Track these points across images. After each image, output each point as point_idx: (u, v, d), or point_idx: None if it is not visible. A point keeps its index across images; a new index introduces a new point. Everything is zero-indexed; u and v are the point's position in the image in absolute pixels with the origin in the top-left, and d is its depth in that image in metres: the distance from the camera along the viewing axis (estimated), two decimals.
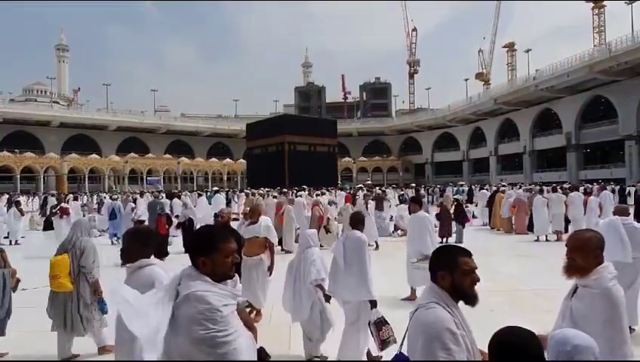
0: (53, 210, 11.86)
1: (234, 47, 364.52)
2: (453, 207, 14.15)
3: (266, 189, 25.80)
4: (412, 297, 7.00)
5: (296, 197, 16.52)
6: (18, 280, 4.94)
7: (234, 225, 7.43)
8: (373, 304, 4.14)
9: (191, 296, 1.83)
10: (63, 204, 12.12)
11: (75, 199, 22.82)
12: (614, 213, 5.86)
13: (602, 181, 32.42)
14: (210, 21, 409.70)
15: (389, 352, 4.70)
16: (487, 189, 24.51)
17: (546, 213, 13.80)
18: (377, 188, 28.05)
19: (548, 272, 8.96)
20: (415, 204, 7.81)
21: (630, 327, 4.79)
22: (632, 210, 10.82)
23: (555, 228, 13.83)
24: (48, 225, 19.00)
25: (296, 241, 13.96)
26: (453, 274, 2.01)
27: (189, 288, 1.85)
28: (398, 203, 21.22)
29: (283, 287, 4.80)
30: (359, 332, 4.31)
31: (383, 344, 3.89)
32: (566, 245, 2.45)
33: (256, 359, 1.99)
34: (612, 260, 5.56)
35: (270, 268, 6.01)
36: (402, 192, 31.60)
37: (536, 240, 13.71)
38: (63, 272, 4.75)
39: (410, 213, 8.14)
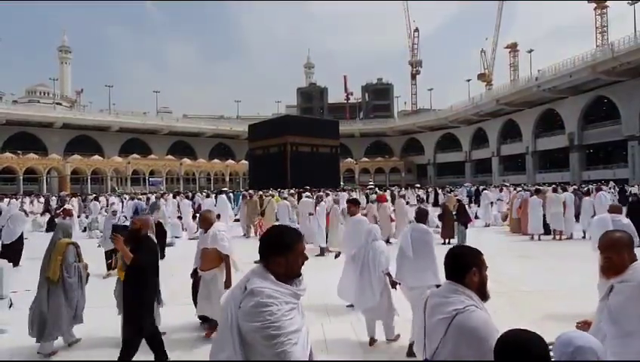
0: (57, 211, 11.89)
1: (236, 48, 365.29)
2: (456, 207, 14.11)
3: (270, 190, 25.78)
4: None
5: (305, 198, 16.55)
6: (88, 274, 5.54)
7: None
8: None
9: (255, 291, 1.87)
10: (66, 206, 12.13)
11: (84, 200, 22.92)
12: (608, 211, 6.42)
13: (604, 181, 32.41)
14: (212, 22, 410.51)
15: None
16: (489, 190, 24.50)
17: (541, 212, 14.08)
18: (394, 188, 28.19)
19: (548, 272, 8.97)
20: (353, 205, 7.13)
21: None
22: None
23: (553, 228, 14.01)
24: (52, 226, 19.12)
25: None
26: (481, 272, 2.10)
27: (254, 284, 1.90)
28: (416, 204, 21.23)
29: (340, 279, 5.34)
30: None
31: None
32: (599, 247, 2.50)
33: (307, 359, 1.97)
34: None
35: (226, 284, 5.16)
36: (419, 193, 31.78)
37: (531, 239, 13.96)
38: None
39: (349, 216, 7.18)
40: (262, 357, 1.83)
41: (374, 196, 17.59)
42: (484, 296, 2.13)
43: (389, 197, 17.78)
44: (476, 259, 2.17)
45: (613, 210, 6.56)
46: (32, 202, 32.20)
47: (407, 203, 18.29)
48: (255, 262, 2.12)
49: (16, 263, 10.05)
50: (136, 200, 19.64)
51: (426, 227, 5.06)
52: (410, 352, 4.60)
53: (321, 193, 20.56)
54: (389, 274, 5.07)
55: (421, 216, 5.31)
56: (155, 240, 4.95)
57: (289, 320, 1.85)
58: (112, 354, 4.53)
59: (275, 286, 1.91)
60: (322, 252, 12.02)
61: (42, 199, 32.39)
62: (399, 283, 4.96)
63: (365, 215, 12.81)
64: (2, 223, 11.17)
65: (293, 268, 2.00)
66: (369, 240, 5.29)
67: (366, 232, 5.52)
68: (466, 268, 2.13)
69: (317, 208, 13.34)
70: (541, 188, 18.66)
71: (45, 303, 4.95)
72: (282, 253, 1.97)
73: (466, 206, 15.28)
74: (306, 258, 2.07)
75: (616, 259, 2.40)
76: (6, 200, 23.98)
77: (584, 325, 2.55)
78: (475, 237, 13.92)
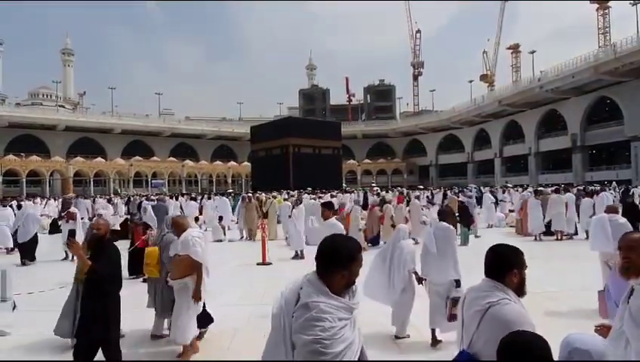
0: (62, 214, 11.64)
1: (238, 49, 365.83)
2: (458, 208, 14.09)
3: (273, 192, 25.83)
4: None
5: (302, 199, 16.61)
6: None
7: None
8: (458, 283, 4.92)
9: (309, 304, 1.86)
10: (71, 209, 12.02)
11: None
12: (605, 211, 6.72)
13: (608, 182, 32.37)
14: (214, 23, 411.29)
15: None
16: (492, 192, 24.47)
17: (541, 213, 14.14)
18: (402, 189, 28.24)
19: (550, 273, 8.95)
20: (327, 209, 6.87)
21: None
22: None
23: (555, 228, 14.01)
24: (55, 228, 19.14)
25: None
26: (521, 273, 2.17)
27: (309, 296, 1.88)
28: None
29: (367, 277, 5.33)
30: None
31: (452, 318, 4.43)
32: (619, 248, 2.47)
33: None
34: (600, 250, 5.89)
35: (195, 294, 4.71)
36: (429, 194, 31.82)
37: (534, 240, 13.95)
38: (153, 261, 5.44)
39: (323, 220, 7.04)
40: None
41: (390, 197, 17.56)
42: (521, 293, 2.20)
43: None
44: (518, 259, 2.22)
45: (610, 210, 6.79)
46: (45, 204, 31.81)
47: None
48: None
49: (32, 259, 11.55)
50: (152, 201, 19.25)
51: (447, 225, 5.31)
52: (435, 341, 5.04)
53: (298, 195, 20.48)
54: (415, 273, 5.38)
55: (445, 215, 5.53)
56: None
57: (339, 339, 1.84)
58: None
59: (330, 300, 1.88)
60: (297, 255, 11.71)
61: (53, 201, 32.04)
62: (425, 279, 5.28)
63: (383, 215, 12.96)
64: (18, 224, 11.90)
65: (352, 279, 1.97)
66: (397, 239, 5.54)
67: (395, 231, 5.85)
68: (507, 268, 2.18)
69: (294, 211, 12.84)
70: (542, 189, 18.68)
71: (73, 298, 5.17)
72: (345, 266, 1.92)
73: (476, 207, 15.28)
74: (361, 265, 2.03)
75: (636, 260, 2.36)
76: (26, 202, 23.98)
77: (603, 329, 2.49)
78: (477, 238, 13.92)
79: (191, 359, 4.85)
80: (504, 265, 2.18)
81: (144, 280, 6.81)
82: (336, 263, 1.92)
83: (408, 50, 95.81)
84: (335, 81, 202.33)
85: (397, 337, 5.37)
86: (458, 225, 13.28)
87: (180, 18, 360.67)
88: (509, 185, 35.69)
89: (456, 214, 13.61)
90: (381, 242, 12.96)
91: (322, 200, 18.05)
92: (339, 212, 13.56)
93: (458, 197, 19.03)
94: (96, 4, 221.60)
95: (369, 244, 12.68)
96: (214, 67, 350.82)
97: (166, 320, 5.46)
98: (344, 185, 52.92)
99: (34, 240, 11.85)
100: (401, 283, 5.29)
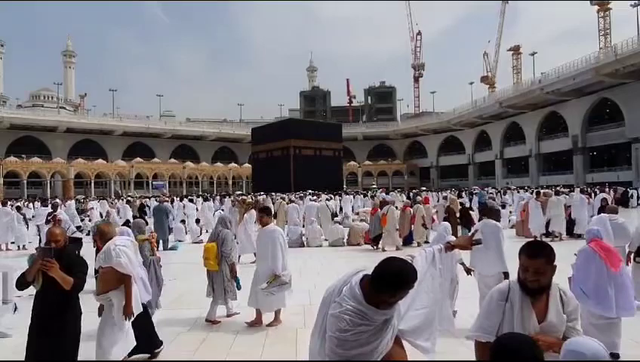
0: (48, 218, 10.55)
1: (239, 51, 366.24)
2: (459, 211, 14.12)
3: (279, 194, 25.84)
4: (257, 322, 5.95)
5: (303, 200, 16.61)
6: (160, 266, 5.91)
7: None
8: (506, 275, 5.18)
9: (340, 303, 2.01)
10: (57, 213, 11.18)
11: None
12: (605, 212, 7.03)
13: (608, 184, 32.45)
14: (215, 25, 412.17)
15: None
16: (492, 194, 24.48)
17: (541, 214, 14.19)
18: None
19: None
20: (265, 215, 6.23)
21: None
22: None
23: (552, 229, 14.06)
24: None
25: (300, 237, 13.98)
26: (553, 270, 2.32)
27: (343, 297, 2.03)
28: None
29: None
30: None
31: None
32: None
33: None
34: None
35: (125, 310, 4.07)
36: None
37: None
38: (211, 255, 6.03)
39: (261, 226, 6.31)
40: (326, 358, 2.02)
41: (419, 198, 17.64)
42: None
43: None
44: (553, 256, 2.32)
45: (610, 210, 7.15)
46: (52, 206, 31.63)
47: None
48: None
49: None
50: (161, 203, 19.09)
51: (495, 222, 5.75)
52: None
53: (252, 198, 20.00)
54: (462, 264, 5.88)
55: (491, 213, 6.08)
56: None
57: (355, 342, 1.95)
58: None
59: (359, 306, 1.98)
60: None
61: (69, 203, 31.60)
62: (472, 270, 5.78)
63: (414, 215, 13.19)
64: (38, 222, 12.84)
65: (396, 301, 2.06)
66: (442, 234, 5.99)
67: (440, 227, 6.51)
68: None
69: (245, 216, 11.87)
70: (547, 191, 18.74)
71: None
72: (395, 293, 1.98)
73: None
74: (399, 300, 2.09)
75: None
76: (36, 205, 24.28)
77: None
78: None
79: (192, 360, 4.85)
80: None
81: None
82: (388, 288, 1.97)
83: (409, 52, 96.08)
84: (336, 83, 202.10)
85: None
86: (458, 226, 13.36)
87: (182, 20, 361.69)
88: (512, 186, 35.76)
89: (457, 216, 13.72)
90: (414, 242, 13.29)
91: (319, 202, 18.17)
92: (373, 212, 13.84)
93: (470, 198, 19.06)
94: (97, 5, 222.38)
95: (406, 244, 13.07)
96: (215, 69, 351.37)
97: (219, 307, 6.17)
98: (345, 186, 52.94)
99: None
100: (449, 273, 5.42)
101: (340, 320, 1.95)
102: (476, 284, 5.71)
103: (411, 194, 26.96)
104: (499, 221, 6.03)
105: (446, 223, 6.66)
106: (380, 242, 12.83)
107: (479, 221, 6.73)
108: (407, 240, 13.39)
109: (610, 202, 14.68)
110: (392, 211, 12.89)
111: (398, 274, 1.96)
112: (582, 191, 22.06)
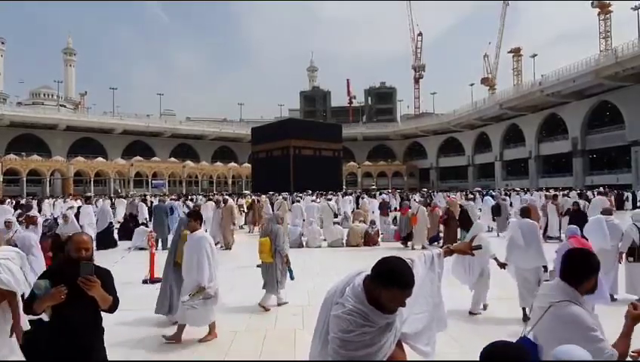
0: (20, 218, 9.21)
1: (240, 50, 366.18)
2: (459, 212, 14.09)
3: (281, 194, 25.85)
4: (174, 338, 5.31)
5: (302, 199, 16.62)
6: None
7: None
8: (545, 268, 6.03)
9: (343, 303, 2.02)
10: (30, 213, 9.43)
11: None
12: (601, 213, 7.61)
13: (608, 187, 32.55)
14: (216, 25, 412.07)
15: None
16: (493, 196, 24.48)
17: (557, 217, 14.63)
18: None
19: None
20: (192, 219, 5.52)
21: (612, 296, 6.58)
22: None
23: (548, 234, 14.30)
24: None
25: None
26: (596, 278, 2.24)
27: (346, 298, 2.04)
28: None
29: (453, 262, 6.38)
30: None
31: None
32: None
33: None
34: (597, 247, 6.34)
35: (13, 330, 3.56)
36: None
37: None
38: (266, 249, 6.70)
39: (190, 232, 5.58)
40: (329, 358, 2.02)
41: (448, 199, 17.81)
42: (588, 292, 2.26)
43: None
44: (597, 266, 2.25)
45: (605, 212, 7.64)
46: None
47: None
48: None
49: (113, 245, 14.06)
50: (172, 202, 18.94)
51: (531, 221, 6.28)
52: (526, 318, 5.67)
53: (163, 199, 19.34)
54: (496, 259, 6.36)
55: (526, 213, 6.56)
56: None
57: (358, 343, 1.95)
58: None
59: (360, 306, 1.99)
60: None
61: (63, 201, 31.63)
62: (506, 265, 6.21)
63: (450, 215, 13.38)
64: (86, 221, 13.93)
65: (385, 305, 2.01)
66: (476, 231, 6.56)
67: (474, 226, 7.09)
68: (586, 275, 2.23)
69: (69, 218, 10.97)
70: (548, 193, 18.96)
71: (174, 283, 5.82)
72: (384, 287, 1.98)
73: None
74: (403, 306, 2.04)
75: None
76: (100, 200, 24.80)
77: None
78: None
79: (190, 360, 4.85)
80: (585, 273, 2.23)
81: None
82: (381, 281, 1.98)
83: (409, 53, 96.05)
84: (336, 83, 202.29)
85: (471, 313, 6.32)
86: (458, 228, 13.34)
87: (183, 19, 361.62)
88: (516, 188, 35.75)
89: (457, 218, 13.69)
90: (441, 241, 13.45)
91: (319, 202, 18.16)
92: (404, 212, 14.27)
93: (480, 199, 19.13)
94: (98, 3, 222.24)
95: (432, 243, 13.48)
96: (216, 68, 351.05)
97: (272, 296, 6.81)
98: (344, 187, 52.93)
99: (109, 230, 14.62)
100: (479, 267, 6.27)
101: (343, 320, 1.96)
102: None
103: (425, 194, 27.18)
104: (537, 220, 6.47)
105: (479, 222, 7.50)
106: (410, 241, 13.46)
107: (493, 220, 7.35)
108: (434, 240, 13.83)
109: (610, 204, 15.12)
110: (423, 211, 13.36)
111: (394, 271, 1.99)
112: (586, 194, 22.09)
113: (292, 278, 6.93)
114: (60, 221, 10.76)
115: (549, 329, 2.16)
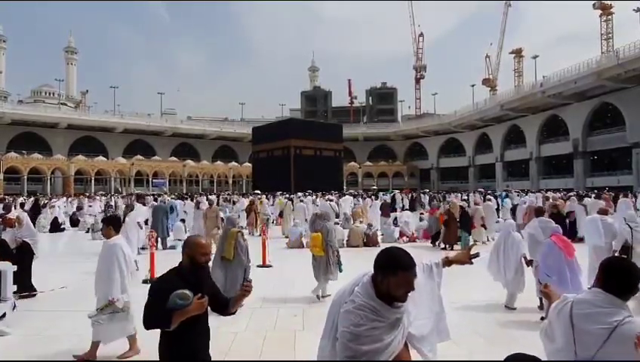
0: None
1: (241, 50, 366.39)
2: (459, 213, 14.08)
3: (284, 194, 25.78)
4: (89, 356, 4.78)
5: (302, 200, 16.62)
6: None
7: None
8: (528, 261, 6.56)
9: (353, 299, 2.07)
10: (10, 215, 8.75)
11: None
12: (597, 213, 7.99)
13: (608, 188, 32.51)
14: (218, 24, 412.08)
15: None
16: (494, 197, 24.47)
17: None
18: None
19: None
20: (106, 225, 5.15)
21: None
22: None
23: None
24: (55, 228, 19.20)
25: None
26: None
27: (356, 293, 2.09)
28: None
29: (489, 260, 7.01)
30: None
31: None
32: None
33: None
34: (593, 244, 7.10)
35: None
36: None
37: None
38: (318, 243, 7.28)
39: (105, 237, 5.23)
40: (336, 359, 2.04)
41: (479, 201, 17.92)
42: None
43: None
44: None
45: (601, 211, 8.01)
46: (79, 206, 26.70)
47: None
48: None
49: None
50: (174, 201, 18.88)
51: (549, 219, 6.86)
52: (541, 306, 6.19)
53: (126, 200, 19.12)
54: (524, 256, 6.70)
55: (540, 212, 7.14)
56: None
57: (368, 338, 1.98)
58: None
59: (370, 301, 2.03)
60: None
61: (100, 200, 30.71)
62: (532, 261, 6.46)
63: (473, 215, 13.60)
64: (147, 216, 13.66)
65: (394, 292, 2.05)
66: (507, 231, 7.03)
67: (506, 225, 7.48)
68: (635, 288, 2.15)
69: (126, 219, 11.47)
70: (552, 195, 18.94)
71: (223, 277, 6.38)
72: (389, 274, 2.03)
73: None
74: (411, 289, 2.08)
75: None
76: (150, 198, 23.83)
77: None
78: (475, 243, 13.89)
79: None
80: (632, 286, 2.15)
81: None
82: (383, 270, 2.05)
83: (411, 54, 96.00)
84: (337, 83, 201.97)
85: (507, 307, 6.73)
86: (458, 230, 13.32)
87: (184, 18, 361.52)
88: (519, 189, 35.71)
89: (457, 220, 13.67)
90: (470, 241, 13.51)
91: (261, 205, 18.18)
92: (432, 212, 14.78)
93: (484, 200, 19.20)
94: (100, 2, 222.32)
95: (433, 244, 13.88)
96: (217, 67, 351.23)
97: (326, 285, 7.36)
98: (345, 187, 52.92)
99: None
100: (514, 265, 6.70)
101: (354, 315, 2.00)
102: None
103: (439, 196, 27.62)
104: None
105: (512, 221, 7.81)
106: (438, 240, 13.70)
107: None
108: (434, 240, 14.03)
109: (609, 205, 15.12)
110: (479, 212, 13.72)
111: (394, 256, 2.07)
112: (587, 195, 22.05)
113: (340, 270, 7.42)
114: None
115: (625, 352, 2.03)
